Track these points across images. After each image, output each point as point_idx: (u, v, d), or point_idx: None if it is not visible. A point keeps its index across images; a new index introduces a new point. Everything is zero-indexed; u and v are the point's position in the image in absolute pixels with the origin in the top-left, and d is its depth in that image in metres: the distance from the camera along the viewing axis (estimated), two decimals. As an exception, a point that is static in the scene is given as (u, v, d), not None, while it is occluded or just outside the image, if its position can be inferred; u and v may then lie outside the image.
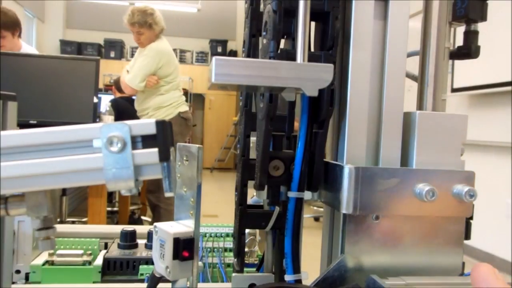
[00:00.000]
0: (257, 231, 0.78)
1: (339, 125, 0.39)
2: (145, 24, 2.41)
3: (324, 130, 0.37)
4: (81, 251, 0.75)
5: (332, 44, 0.37)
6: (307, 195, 0.39)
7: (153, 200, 2.51)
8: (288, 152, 0.38)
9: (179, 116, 2.52)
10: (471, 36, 0.48)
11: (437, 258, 0.36)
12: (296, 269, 0.39)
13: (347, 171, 0.34)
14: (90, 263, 0.75)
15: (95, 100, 1.96)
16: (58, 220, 2.18)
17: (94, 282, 0.73)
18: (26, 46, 2.46)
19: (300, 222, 0.40)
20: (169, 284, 0.43)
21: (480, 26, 0.49)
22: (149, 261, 0.76)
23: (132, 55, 2.99)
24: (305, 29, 0.34)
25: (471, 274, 0.25)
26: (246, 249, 0.78)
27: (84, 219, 2.50)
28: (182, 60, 7.30)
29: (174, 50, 7.72)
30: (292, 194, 0.40)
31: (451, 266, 0.36)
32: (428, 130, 0.36)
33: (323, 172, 0.38)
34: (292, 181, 0.39)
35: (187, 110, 2.62)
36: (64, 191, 2.14)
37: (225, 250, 0.80)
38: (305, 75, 0.31)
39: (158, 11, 2.50)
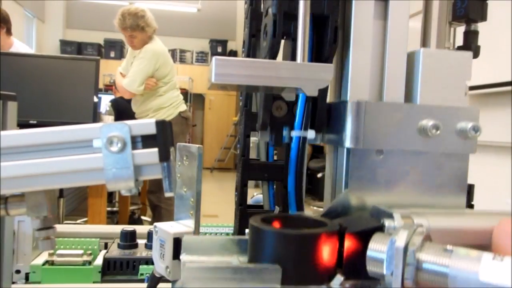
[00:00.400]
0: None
1: (342, 65, 0.38)
2: (138, 28, 2.37)
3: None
4: (81, 251, 0.76)
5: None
6: (311, 133, 0.38)
7: (154, 200, 2.51)
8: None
9: (180, 116, 2.51)
10: (471, 36, 0.48)
11: (440, 196, 0.36)
12: (299, 206, 0.39)
13: (351, 105, 0.34)
14: (90, 263, 0.75)
15: (95, 100, 1.96)
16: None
17: (94, 282, 0.73)
18: (19, 43, 2.41)
19: (303, 163, 0.40)
20: (169, 284, 0.43)
21: (480, 26, 0.49)
22: (149, 261, 0.76)
23: (132, 55, 2.99)
24: (305, 29, 0.34)
25: (496, 228, 0.24)
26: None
27: (84, 219, 2.50)
28: (182, 60, 7.29)
29: (174, 50, 7.69)
30: (295, 133, 0.39)
31: (454, 204, 0.36)
32: (432, 67, 0.36)
33: (326, 110, 0.38)
34: (295, 121, 0.39)
35: (186, 109, 2.60)
36: (61, 193, 2.12)
37: (225, 250, 0.80)
38: (305, 75, 0.31)
39: (148, 12, 2.45)
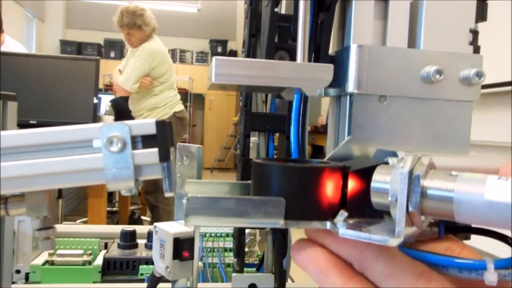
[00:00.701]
0: (257, 231, 0.78)
1: (344, 11, 0.38)
2: (134, 26, 2.36)
3: (330, 13, 0.36)
4: (81, 251, 0.76)
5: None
6: None
7: (151, 201, 2.51)
8: (294, 44, 0.38)
9: (174, 116, 2.50)
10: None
11: (443, 143, 0.36)
12: (302, 154, 0.39)
13: (354, 49, 0.34)
14: (90, 263, 0.75)
15: (95, 100, 1.96)
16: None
17: (94, 282, 0.73)
18: (10, 40, 2.34)
19: (306, 115, 0.40)
20: (169, 284, 0.43)
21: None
22: (149, 261, 0.76)
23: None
24: (305, 29, 0.34)
25: (502, 167, 0.24)
26: (246, 249, 0.78)
27: (84, 219, 2.50)
28: (182, 60, 7.30)
29: (174, 50, 7.69)
30: None
31: (457, 152, 0.36)
32: (436, 12, 0.36)
33: (328, 58, 0.38)
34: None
35: (182, 109, 2.58)
36: (60, 194, 2.12)
37: (225, 250, 0.80)
38: (305, 75, 0.31)
39: (148, 11, 2.44)
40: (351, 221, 0.24)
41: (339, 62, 0.37)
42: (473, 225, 0.20)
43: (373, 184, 0.24)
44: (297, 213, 0.25)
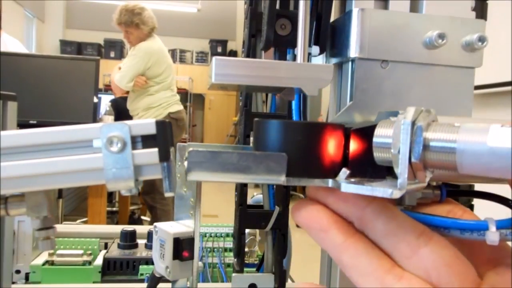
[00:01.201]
0: (257, 231, 0.78)
1: None
2: (132, 24, 2.35)
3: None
4: (81, 251, 0.76)
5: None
6: (315, 50, 0.38)
7: (149, 201, 2.50)
8: (296, 11, 0.37)
9: (169, 117, 2.48)
10: (471, 36, 0.48)
11: (445, 110, 0.36)
12: (303, 117, 0.39)
13: (356, 13, 0.33)
14: (90, 263, 0.75)
15: (95, 100, 1.96)
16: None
17: (94, 282, 0.73)
18: (7, 37, 2.32)
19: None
20: (169, 284, 0.43)
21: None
22: (149, 261, 0.76)
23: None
24: (305, 29, 0.34)
25: None
26: (246, 249, 0.78)
27: (84, 219, 2.50)
28: (182, 60, 7.30)
29: (174, 50, 7.69)
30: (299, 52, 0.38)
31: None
32: None
33: (329, 26, 0.37)
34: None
35: (179, 110, 2.56)
36: (60, 194, 2.12)
37: (225, 250, 0.80)
38: (305, 75, 0.31)
39: (148, 10, 2.43)
40: (353, 180, 0.24)
41: (341, 28, 0.36)
42: (476, 174, 0.19)
43: (375, 139, 0.23)
44: (299, 170, 0.24)
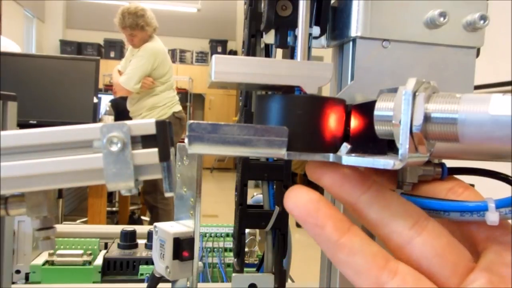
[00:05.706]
0: (257, 231, 0.78)
1: None
2: (137, 27, 2.36)
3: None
4: (81, 251, 0.76)
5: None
6: (315, 30, 0.38)
7: (150, 201, 2.50)
8: None
9: (174, 116, 2.50)
10: (471, 36, 0.48)
11: (446, 91, 0.36)
12: None
13: None
14: (90, 263, 0.75)
15: (95, 100, 1.96)
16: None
17: (94, 282, 0.73)
18: (6, 41, 2.31)
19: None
20: (169, 284, 0.43)
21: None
22: (149, 261, 0.76)
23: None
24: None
25: None
26: (246, 249, 0.78)
27: (84, 219, 2.50)
28: (182, 60, 7.30)
29: (174, 50, 7.68)
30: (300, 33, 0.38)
31: None
32: None
33: (330, 6, 0.37)
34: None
35: (181, 110, 2.59)
36: (60, 194, 2.12)
37: (225, 250, 0.80)
38: (305, 73, 0.31)
39: (149, 11, 2.44)
40: (353, 155, 0.23)
41: (341, 9, 0.36)
42: (477, 144, 0.19)
43: (376, 112, 0.23)
44: (299, 145, 0.24)
